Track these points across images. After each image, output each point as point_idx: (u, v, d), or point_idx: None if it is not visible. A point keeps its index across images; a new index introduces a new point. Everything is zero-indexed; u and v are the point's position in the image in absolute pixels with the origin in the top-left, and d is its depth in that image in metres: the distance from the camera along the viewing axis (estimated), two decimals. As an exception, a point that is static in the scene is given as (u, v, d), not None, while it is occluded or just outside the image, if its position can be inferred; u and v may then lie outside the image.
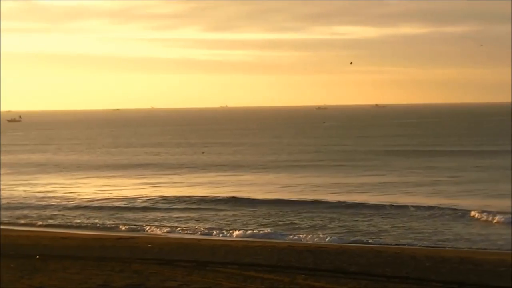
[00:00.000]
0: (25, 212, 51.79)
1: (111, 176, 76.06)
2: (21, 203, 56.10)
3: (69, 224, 46.84)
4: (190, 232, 43.00)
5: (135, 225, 45.81)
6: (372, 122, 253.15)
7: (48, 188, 65.59)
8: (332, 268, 25.12)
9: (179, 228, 44.34)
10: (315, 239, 39.31)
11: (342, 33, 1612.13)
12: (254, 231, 42.31)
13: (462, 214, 46.27)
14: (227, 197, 56.26)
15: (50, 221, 47.92)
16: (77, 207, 53.59)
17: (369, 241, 38.80)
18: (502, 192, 56.92)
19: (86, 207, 53.49)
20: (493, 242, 38.27)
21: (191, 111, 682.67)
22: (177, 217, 48.44)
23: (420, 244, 37.69)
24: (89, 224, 46.56)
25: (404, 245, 37.10)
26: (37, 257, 27.36)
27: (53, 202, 56.39)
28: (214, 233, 42.34)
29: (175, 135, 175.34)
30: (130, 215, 49.97)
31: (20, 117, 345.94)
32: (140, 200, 56.22)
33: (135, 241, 34.60)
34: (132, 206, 53.66)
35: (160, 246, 31.90)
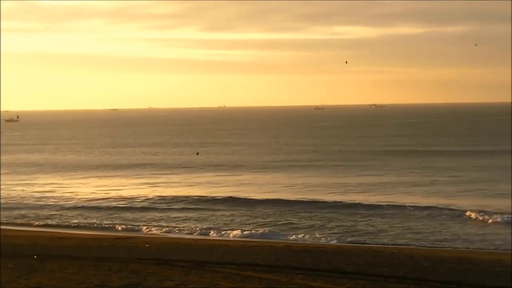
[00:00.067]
0: (23, 212, 51.78)
1: (109, 176, 76.05)
2: (19, 203, 56.08)
3: (66, 224, 46.83)
4: (188, 232, 43.01)
5: (132, 225, 45.81)
6: (371, 122, 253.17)
7: (46, 188, 65.57)
8: (330, 268, 25.12)
9: (176, 228, 44.36)
10: (313, 239, 39.33)
11: (341, 33, 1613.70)
12: (252, 231, 42.33)
13: (459, 214, 46.30)
14: (225, 197, 56.27)
15: (48, 221, 47.92)
16: (75, 207, 53.58)
17: (367, 241, 38.82)
18: (500, 192, 56.96)
19: (84, 207, 53.48)
20: (490, 242, 38.30)
21: (189, 111, 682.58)
22: (175, 217, 48.45)
23: (418, 244, 37.72)
24: (86, 224, 46.55)
25: (402, 245, 37.13)
26: (35, 257, 27.34)
27: (50, 202, 56.38)
28: (211, 233, 42.34)
29: (173, 135, 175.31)
30: (128, 215, 49.97)
31: (18, 117, 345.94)
32: (138, 200, 56.22)
33: (133, 241, 34.59)
34: (130, 206, 53.66)
35: (158, 246, 31.89)
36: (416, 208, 49.01)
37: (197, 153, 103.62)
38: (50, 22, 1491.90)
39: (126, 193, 60.70)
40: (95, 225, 46.32)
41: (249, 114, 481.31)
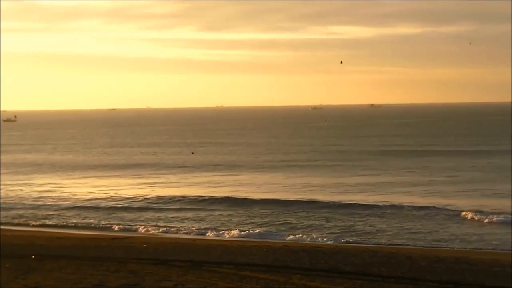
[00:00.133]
0: (21, 212, 51.75)
1: (107, 176, 76.03)
2: (17, 203, 56.05)
3: (64, 224, 46.82)
4: (186, 232, 43.01)
5: (130, 225, 45.81)
6: (369, 122, 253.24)
7: (44, 188, 65.55)
8: (328, 268, 25.13)
9: (174, 228, 44.36)
10: (311, 239, 39.33)
11: (339, 33, 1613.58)
12: (250, 231, 42.34)
13: (457, 214, 46.31)
14: (223, 197, 56.27)
15: (46, 221, 47.91)
16: (73, 207, 53.56)
17: (365, 241, 38.84)
18: (498, 192, 56.98)
19: (82, 207, 53.47)
20: (488, 242, 38.32)
21: (187, 111, 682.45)
22: (173, 217, 48.44)
23: (415, 244, 37.73)
24: (84, 224, 46.54)
25: (400, 245, 37.14)
26: (33, 257, 27.33)
27: (48, 202, 56.37)
28: (209, 233, 42.34)
29: (171, 135, 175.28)
30: (126, 215, 49.97)
31: (15, 117, 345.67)
32: (135, 200, 56.21)
33: (131, 241, 34.58)
34: (127, 206, 53.64)
35: (156, 246, 31.89)
36: (414, 208, 49.04)
37: (192, 153, 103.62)
38: (49, 22, 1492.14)
39: (124, 193, 60.68)
40: (92, 225, 46.31)
41: (247, 114, 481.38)
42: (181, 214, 49.52)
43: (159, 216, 49.06)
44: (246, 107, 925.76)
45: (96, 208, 52.81)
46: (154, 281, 22.07)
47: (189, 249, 30.85)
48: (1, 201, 56.39)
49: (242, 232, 41.96)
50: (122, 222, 46.73)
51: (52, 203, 55.75)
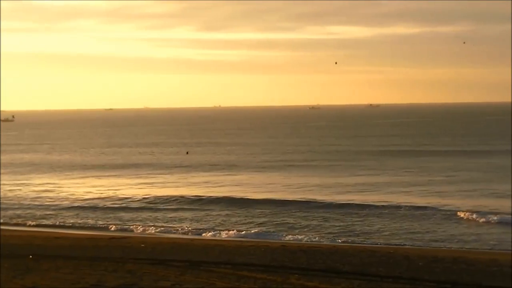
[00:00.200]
0: (19, 212, 51.72)
1: (105, 176, 75.99)
2: (15, 203, 56.01)
3: (62, 224, 46.80)
4: (184, 231, 43.00)
5: (128, 225, 45.79)
6: (367, 122, 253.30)
7: (42, 188, 65.52)
8: (325, 268, 25.12)
9: (172, 228, 44.35)
10: (309, 239, 39.33)
11: (337, 33, 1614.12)
12: (248, 231, 42.33)
13: (455, 214, 46.32)
14: (220, 197, 56.26)
15: (43, 221, 47.90)
16: (71, 207, 53.54)
17: (362, 241, 38.84)
18: (496, 192, 57.01)
19: (80, 207, 53.45)
20: (485, 242, 38.35)
21: (185, 111, 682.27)
22: (171, 217, 48.44)
23: (413, 243, 37.75)
24: (82, 224, 46.53)
25: (397, 244, 37.15)
26: (30, 257, 27.31)
27: (46, 202, 56.34)
28: (207, 233, 42.32)
29: (169, 135, 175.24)
30: (123, 215, 49.96)
31: (13, 116, 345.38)
32: (133, 200, 56.19)
33: (128, 241, 34.56)
34: (125, 206, 53.63)
35: (153, 246, 31.87)
36: (412, 208, 49.05)
37: (187, 152, 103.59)
38: (47, 22, 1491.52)
39: (121, 193, 60.67)
40: (90, 225, 46.30)
41: (245, 114, 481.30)
42: (179, 214, 49.51)
43: (157, 216, 49.05)
44: (244, 107, 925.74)
45: (94, 208, 52.80)
46: (152, 281, 22.06)
47: (187, 249, 30.84)
48: (0, 201, 56.35)
49: (240, 232, 41.97)
50: (120, 222, 46.73)
51: (50, 203, 55.73)
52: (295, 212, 48.96)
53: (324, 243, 37.73)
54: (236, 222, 46.03)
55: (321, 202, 52.59)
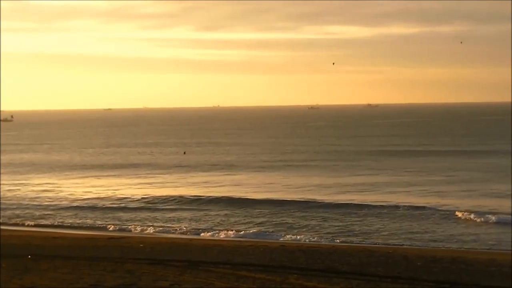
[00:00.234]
0: (18, 212, 51.70)
1: (103, 176, 75.96)
2: (14, 203, 55.99)
3: (61, 224, 46.78)
4: (182, 231, 42.99)
5: (127, 225, 45.77)
6: (366, 121, 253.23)
7: (40, 188, 65.49)
8: (324, 268, 25.13)
9: (171, 228, 44.32)
10: (308, 239, 39.32)
11: (335, 33, 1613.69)
12: (247, 231, 42.32)
13: (453, 214, 46.31)
14: (220, 197, 56.24)
15: (42, 221, 47.87)
16: (69, 207, 53.52)
17: (361, 241, 38.83)
18: (495, 192, 57.01)
19: (78, 207, 53.43)
20: (484, 242, 38.35)
21: (184, 111, 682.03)
22: (169, 217, 48.42)
23: (412, 243, 37.75)
24: (81, 224, 46.51)
25: (396, 244, 37.15)
26: (29, 256, 27.31)
27: (45, 202, 56.32)
28: (206, 233, 42.30)
29: (167, 135, 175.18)
30: (122, 215, 49.94)
31: (12, 116, 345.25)
32: (132, 200, 56.17)
33: (127, 240, 34.56)
34: (124, 206, 53.61)
35: (152, 245, 31.87)
36: (411, 208, 49.05)
37: (184, 153, 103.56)
38: (40, 22, 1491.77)
39: (120, 193, 60.65)
40: (89, 225, 46.28)
41: (244, 114, 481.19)
42: (177, 214, 49.50)
43: (156, 216, 49.04)
44: (243, 107, 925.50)
45: (92, 208, 52.78)
46: (151, 281, 22.06)
47: (186, 249, 30.84)
48: (0, 201, 56.34)
49: (239, 232, 41.96)
50: (119, 222, 46.71)
51: (49, 203, 55.71)
52: (294, 212, 48.95)
53: (323, 243, 37.73)
54: (235, 222, 46.02)
55: (320, 202, 52.58)
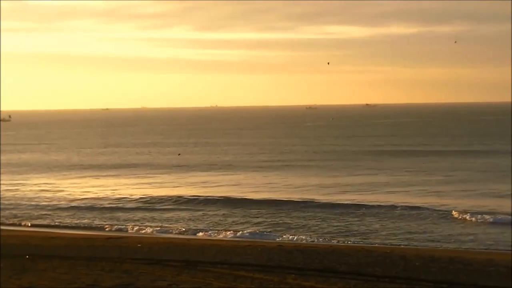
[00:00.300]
0: (15, 212, 51.66)
1: (102, 176, 75.94)
2: (12, 203, 55.95)
3: (59, 224, 46.75)
4: (180, 231, 42.97)
5: (125, 225, 45.75)
6: (364, 121, 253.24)
7: (39, 188, 65.46)
8: (322, 268, 25.12)
9: (169, 228, 44.30)
10: (305, 239, 39.31)
11: (334, 33, 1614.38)
12: (244, 231, 42.30)
13: (451, 214, 46.31)
14: (218, 197, 56.24)
15: (40, 221, 47.83)
16: (67, 207, 53.49)
17: (359, 240, 38.84)
18: (493, 192, 57.03)
19: (76, 207, 53.40)
20: (482, 242, 38.36)
21: (182, 111, 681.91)
22: (167, 217, 48.41)
23: (410, 243, 37.75)
24: (79, 224, 46.48)
25: (394, 244, 37.14)
26: (27, 256, 27.30)
27: (43, 202, 56.29)
28: (204, 233, 42.29)
29: (166, 135, 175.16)
30: (120, 214, 49.92)
31: (9, 116, 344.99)
32: (130, 200, 56.16)
33: (125, 240, 34.55)
34: (122, 206, 53.58)
35: (150, 245, 31.86)
36: (409, 207, 49.05)
37: (179, 154, 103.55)
38: (38, 22, 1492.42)
39: (118, 193, 60.63)
40: (87, 225, 46.26)
41: (241, 113, 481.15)
42: (175, 214, 49.49)
43: (154, 216, 49.02)
44: (241, 107, 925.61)
45: (90, 208, 52.75)
46: (149, 281, 22.05)
47: (184, 249, 30.83)
48: (0, 201, 56.28)
49: (237, 232, 41.93)
50: (117, 222, 46.69)
51: (47, 203, 55.68)
52: (292, 212, 48.94)
53: (321, 242, 37.73)
54: (233, 222, 46.01)
55: (318, 202, 52.58)
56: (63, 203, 55.28)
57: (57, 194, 60.40)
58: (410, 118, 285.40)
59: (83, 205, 54.32)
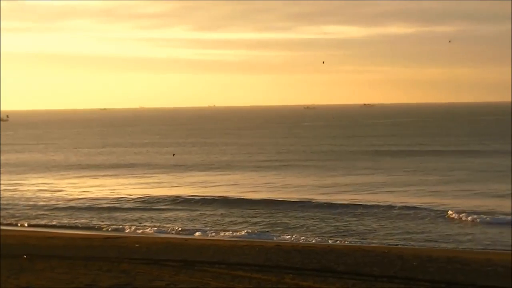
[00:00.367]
0: (13, 211, 51.64)
1: (100, 176, 75.94)
2: (10, 203, 55.92)
3: (56, 223, 46.74)
4: (178, 231, 42.97)
5: (123, 224, 45.75)
6: (362, 121, 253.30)
7: (36, 187, 65.44)
8: (320, 268, 25.14)
9: (167, 228, 44.31)
10: (303, 239, 39.33)
11: (332, 33, 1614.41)
12: (242, 231, 42.31)
13: (450, 214, 46.33)
14: (216, 197, 56.25)
15: (38, 221, 47.81)
16: (65, 207, 53.48)
17: (357, 240, 38.86)
18: (491, 192, 57.06)
19: (74, 207, 53.39)
20: (480, 241, 38.38)
21: (180, 111, 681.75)
22: (166, 217, 48.41)
23: (407, 243, 37.77)
24: (77, 224, 46.47)
25: (392, 244, 37.16)
26: (24, 256, 27.30)
27: (41, 202, 56.27)
28: (202, 233, 42.30)
29: (164, 135, 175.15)
30: (118, 214, 49.91)
31: (7, 116, 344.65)
32: (128, 200, 56.15)
33: (123, 240, 34.56)
34: (120, 206, 53.57)
35: (148, 245, 31.87)
36: (407, 207, 49.08)
37: (173, 154, 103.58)
38: (36, 22, 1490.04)
39: (116, 192, 60.63)
40: (85, 224, 46.25)
41: (239, 113, 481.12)
42: (173, 214, 49.49)
43: (152, 215, 49.03)
44: (238, 107, 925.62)
45: (88, 208, 52.75)
46: (147, 281, 22.07)
47: (182, 248, 30.84)
48: (0, 201, 56.26)
49: (235, 232, 41.95)
50: (115, 222, 46.70)
51: (45, 202, 55.67)
52: (290, 211, 48.96)
53: (319, 242, 37.75)
54: (230, 222, 46.02)
55: (316, 202, 52.60)
56: (61, 203, 55.27)
57: (55, 194, 60.39)
58: (409, 118, 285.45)
59: (81, 205, 54.31)
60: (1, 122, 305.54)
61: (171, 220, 47.11)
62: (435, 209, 48.45)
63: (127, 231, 43.61)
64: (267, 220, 46.08)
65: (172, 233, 42.40)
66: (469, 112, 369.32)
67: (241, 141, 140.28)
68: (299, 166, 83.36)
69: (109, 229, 44.27)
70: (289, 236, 40.26)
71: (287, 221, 45.31)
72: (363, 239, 39.44)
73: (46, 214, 50.39)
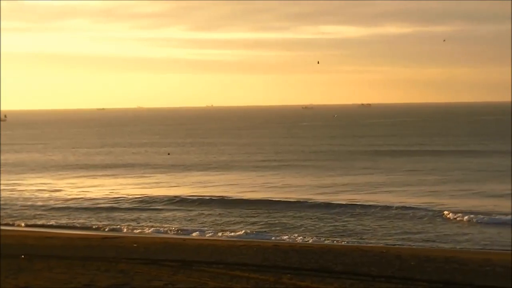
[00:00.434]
0: (10, 211, 51.61)
1: (98, 176, 75.91)
2: (8, 203, 55.89)
3: (54, 223, 46.71)
4: (176, 231, 42.97)
5: (121, 224, 45.74)
6: (361, 121, 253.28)
7: (34, 187, 65.40)
8: (318, 268, 25.15)
9: (165, 228, 44.30)
10: (301, 239, 39.33)
11: (330, 33, 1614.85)
12: (240, 231, 42.30)
13: (447, 214, 46.34)
14: (214, 197, 56.24)
15: (36, 221, 47.79)
16: (63, 207, 53.45)
17: (355, 240, 38.86)
18: (490, 192, 57.06)
19: (72, 207, 53.37)
20: (478, 241, 38.40)
21: (178, 111, 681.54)
22: (164, 217, 48.40)
23: (405, 243, 37.78)
24: (75, 224, 46.46)
25: (390, 244, 37.16)
26: (23, 256, 27.29)
27: (39, 201, 56.25)
28: (200, 233, 42.29)
29: (162, 135, 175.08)
30: (116, 214, 49.90)
31: (5, 116, 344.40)
32: (126, 200, 56.14)
33: (121, 240, 34.56)
34: (118, 206, 53.56)
35: (146, 245, 31.87)
36: (405, 207, 49.08)
37: (168, 154, 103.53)
38: (34, 22, 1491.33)
39: (115, 192, 60.60)
40: (83, 224, 46.23)
41: (237, 113, 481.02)
42: (171, 214, 49.48)
43: (150, 215, 49.02)
44: (236, 107, 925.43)
45: (87, 208, 52.73)
46: (145, 281, 22.06)
47: (180, 248, 30.84)
48: (0, 201, 56.23)
49: (233, 232, 41.95)
50: (113, 222, 46.69)
51: (43, 202, 55.64)
52: (288, 211, 48.95)
53: (317, 242, 37.75)
54: (229, 221, 46.02)
55: (314, 202, 52.60)
56: (60, 203, 55.25)
57: (53, 194, 60.37)
58: (408, 118, 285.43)
59: (79, 205, 54.30)
60: (0, 122, 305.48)
61: (169, 220, 47.10)
62: (434, 209, 48.46)
63: (125, 231, 43.61)
64: (265, 220, 46.09)
65: (170, 233, 42.40)
66: (469, 112, 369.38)
67: (239, 141, 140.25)
68: (297, 166, 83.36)
69: (107, 229, 44.26)
70: (287, 236, 40.26)
71: (285, 221, 45.31)
72: (361, 239, 39.44)
73: (44, 214, 50.38)
